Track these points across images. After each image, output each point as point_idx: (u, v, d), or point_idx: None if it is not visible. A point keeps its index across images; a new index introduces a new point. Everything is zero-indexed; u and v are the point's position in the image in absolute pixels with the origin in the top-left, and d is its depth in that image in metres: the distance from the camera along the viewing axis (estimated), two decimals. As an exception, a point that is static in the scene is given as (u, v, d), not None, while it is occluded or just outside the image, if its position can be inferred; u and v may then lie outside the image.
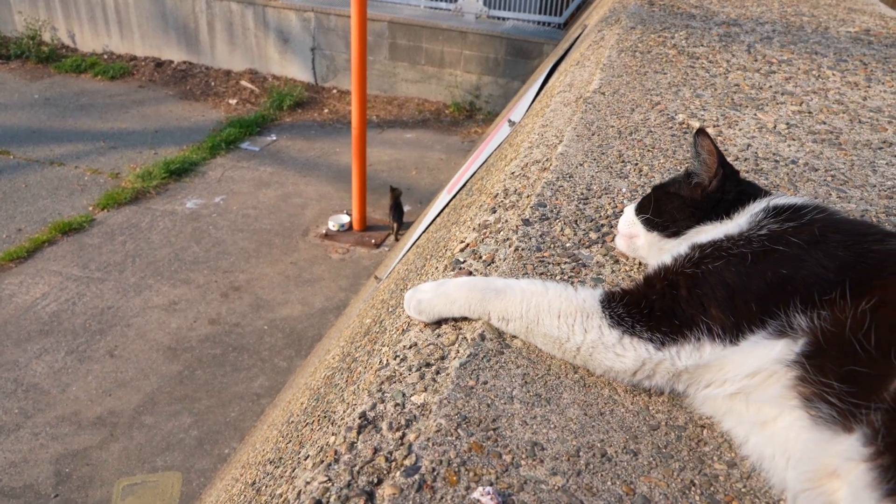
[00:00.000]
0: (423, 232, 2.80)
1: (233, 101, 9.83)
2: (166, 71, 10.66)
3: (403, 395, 0.93)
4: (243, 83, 10.29)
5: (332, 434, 0.92)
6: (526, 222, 1.39)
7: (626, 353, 0.93)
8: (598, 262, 1.27)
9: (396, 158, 8.47)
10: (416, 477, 0.79)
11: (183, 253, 6.20)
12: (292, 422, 1.52)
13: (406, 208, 6.77)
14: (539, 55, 8.98)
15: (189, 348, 5.05)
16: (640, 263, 1.27)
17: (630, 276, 1.24)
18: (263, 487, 1.17)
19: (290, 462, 1.11)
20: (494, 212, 1.50)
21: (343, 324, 3.18)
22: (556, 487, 0.80)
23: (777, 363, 0.83)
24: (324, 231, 6.70)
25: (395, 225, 6.61)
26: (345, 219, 6.81)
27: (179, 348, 5.04)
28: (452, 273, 1.24)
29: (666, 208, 1.16)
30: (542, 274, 1.22)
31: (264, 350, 5.10)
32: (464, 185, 2.80)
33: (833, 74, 2.65)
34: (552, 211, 1.45)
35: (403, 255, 2.85)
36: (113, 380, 4.69)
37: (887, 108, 2.30)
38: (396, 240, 6.44)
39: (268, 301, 5.65)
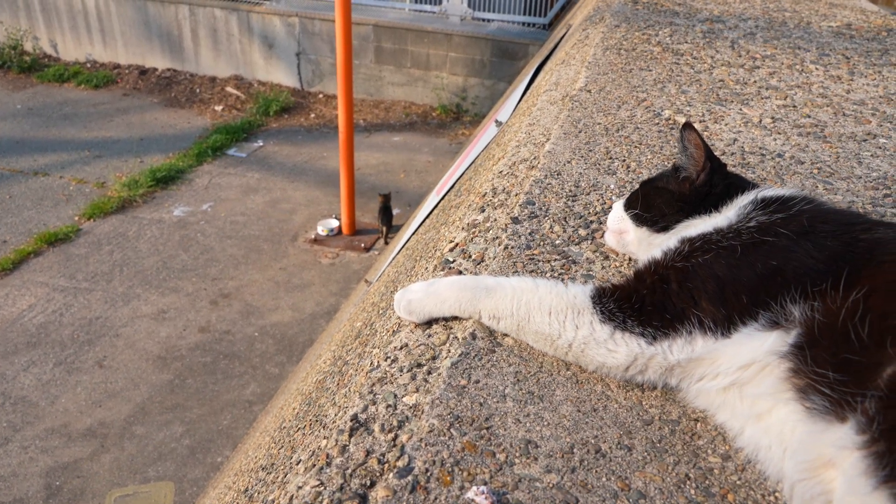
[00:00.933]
0: (413, 234, 2.79)
1: (218, 108, 9.78)
2: (150, 79, 10.59)
3: (395, 396, 0.92)
4: (229, 89, 10.24)
5: (324, 438, 0.91)
6: (515, 220, 1.39)
7: (618, 349, 0.93)
8: (587, 259, 1.27)
9: (384, 162, 8.45)
10: (410, 478, 0.78)
11: (171, 261, 6.15)
12: (284, 427, 1.51)
13: (395, 211, 6.76)
14: (524, 56, 9.00)
15: (179, 357, 5.00)
16: (629, 259, 1.27)
17: (620, 272, 1.23)
18: (256, 494, 1.16)
19: (282, 467, 1.10)
20: (483, 211, 1.49)
21: (334, 328, 3.16)
22: (550, 485, 0.80)
23: (770, 355, 0.83)
24: (313, 236, 6.67)
25: (384, 228, 6.59)
26: (334, 223, 6.79)
27: (169, 357, 4.99)
28: (442, 273, 1.24)
29: (654, 203, 1.16)
30: (532, 272, 1.21)
31: (255, 357, 5.06)
32: (452, 186, 2.80)
33: (816, 69, 2.67)
34: (541, 209, 1.45)
35: (393, 258, 2.84)
36: (102, 390, 4.64)
37: (870, 101, 2.32)
38: (386, 243, 6.43)
39: (258, 308, 5.62)
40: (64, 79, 10.48)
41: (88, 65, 11.01)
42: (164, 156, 8.24)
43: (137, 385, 4.72)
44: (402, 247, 2.81)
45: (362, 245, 6.59)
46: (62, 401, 4.54)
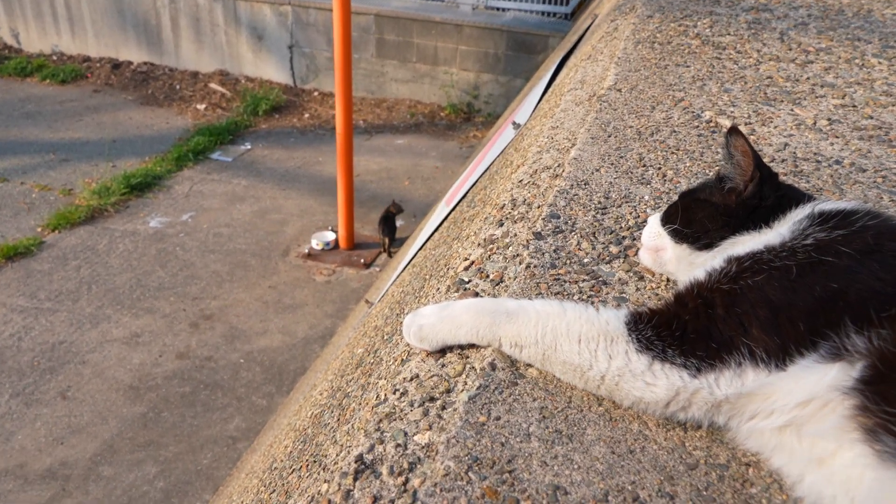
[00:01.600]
0: (420, 249, 2.80)
1: (201, 107, 9.89)
2: (125, 73, 10.72)
3: (405, 434, 0.93)
4: (213, 86, 10.36)
5: (325, 481, 0.92)
6: (538, 236, 1.40)
7: (657, 382, 0.93)
8: (620, 279, 1.27)
9: (387, 167, 8.50)
10: (423, 528, 0.78)
11: (146, 278, 6.19)
12: (276, 468, 1.51)
13: (398, 223, 6.79)
14: (544, 49, 9.07)
15: (154, 387, 5.02)
16: (668, 280, 1.28)
17: (657, 295, 1.24)
18: (244, 545, 1.16)
19: (274, 515, 1.10)
20: (501, 225, 1.50)
21: (330, 355, 3.17)
22: (582, 537, 0.80)
23: (832, 390, 0.83)
24: (306, 250, 6.71)
25: (385, 240, 6.61)
26: (330, 236, 6.82)
27: (143, 387, 5.01)
28: (456, 294, 1.25)
29: (696, 217, 1.16)
30: (557, 293, 1.22)
31: (240, 387, 5.07)
32: (464, 195, 2.81)
33: (879, 63, 2.68)
34: (567, 222, 1.46)
35: (398, 276, 2.85)
36: (65, 425, 4.66)
37: (940, 101, 2.32)
38: (390, 255, 6.45)
39: (244, 331, 5.64)
40: (27, 73, 10.63)
41: (55, 57, 11.16)
42: (139, 160, 8.32)
43: (106, 419, 4.73)
44: (408, 263, 2.82)
45: (362, 261, 6.61)
46: (18, 437, 4.55)
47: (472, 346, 1.08)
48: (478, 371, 1.03)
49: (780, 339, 0.88)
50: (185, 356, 5.33)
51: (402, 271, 2.82)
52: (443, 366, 1.06)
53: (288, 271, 6.45)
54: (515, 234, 1.43)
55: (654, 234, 1.25)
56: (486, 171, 2.84)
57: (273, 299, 6.05)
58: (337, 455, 1.01)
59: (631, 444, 0.94)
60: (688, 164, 1.77)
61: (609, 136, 1.91)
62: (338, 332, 4.83)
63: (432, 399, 0.99)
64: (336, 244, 6.81)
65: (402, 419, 0.96)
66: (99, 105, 9.88)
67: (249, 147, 8.87)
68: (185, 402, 4.90)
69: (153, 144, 8.77)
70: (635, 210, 1.53)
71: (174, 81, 10.50)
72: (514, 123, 3.16)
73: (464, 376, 1.03)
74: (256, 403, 4.93)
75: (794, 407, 0.86)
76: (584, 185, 1.63)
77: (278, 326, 5.72)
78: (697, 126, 2.02)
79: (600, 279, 1.27)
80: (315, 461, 1.15)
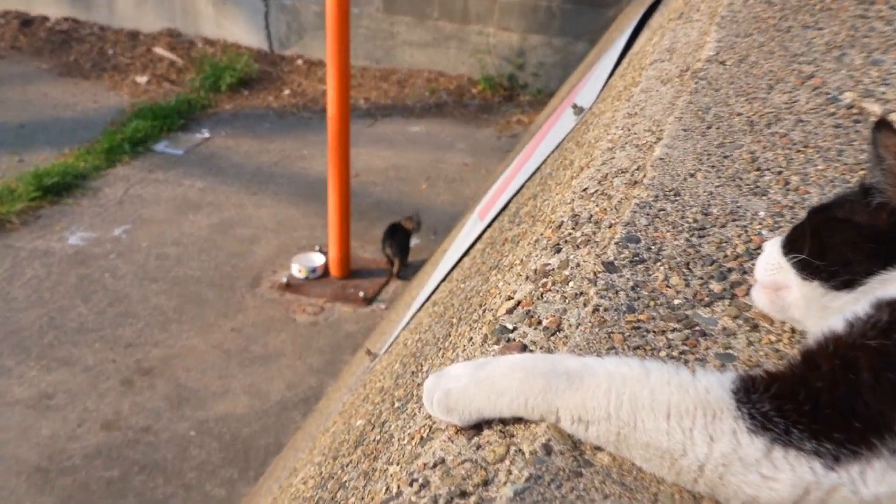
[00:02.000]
0: (443, 280, 2.82)
1: (142, 79, 10.03)
2: (38, 33, 10.91)
3: (426, 542, 0.94)
4: (158, 51, 10.51)
5: None
6: (609, 267, 1.41)
7: (778, 475, 0.93)
8: (724, 329, 1.28)
9: (396, 164, 8.53)
10: None
11: (62, 316, 6.25)
12: (243, 585, 1.53)
13: (413, 242, 6.79)
14: (617, 2, 9.10)
15: (70, 469, 5.05)
16: (792, 330, 1.28)
17: (777, 351, 1.24)
18: None
19: None
20: (559, 250, 1.52)
21: (317, 427, 3.18)
22: None
23: None
24: (284, 279, 6.74)
25: (396, 260, 6.61)
26: (317, 260, 6.85)
27: (54, 469, 5.04)
28: (496, 347, 1.26)
29: (832, 244, 1.17)
30: (637, 349, 1.22)
31: (189, 470, 5.08)
32: (505, 206, 2.83)
33: None
34: (649, 249, 1.46)
35: (412, 317, 2.86)
36: (-49, 518, 4.70)
37: None
38: (401, 278, 6.45)
39: (195, 391, 5.66)
40: None
41: (-54, 13, 11.42)
42: (55, 152, 8.42)
43: (5, 511, 4.77)
44: (427, 300, 2.84)
45: (361, 294, 6.62)
46: None
47: (518, 420, 1.09)
48: (527, 456, 1.04)
49: (950, 417, 0.88)
50: (113, 426, 5.36)
51: (419, 311, 2.83)
52: (478, 447, 1.07)
53: (259, 308, 6.48)
54: (578, 265, 1.44)
55: (774, 267, 1.25)
56: (535, 172, 2.86)
57: (237, 347, 6.07)
58: (331, 569, 1.02)
59: (740, 562, 0.94)
60: (820, 168, 1.77)
61: (709, 128, 1.92)
62: (327, 394, 4.84)
63: (464, 494, 1.00)
64: (325, 271, 6.83)
65: (421, 521, 0.97)
66: (2, 76, 10.05)
67: (208, 135, 8.96)
68: (113, 491, 4.92)
69: (75, 131, 8.88)
70: (746, 232, 1.53)
71: (105, 44, 10.67)
72: (574, 106, 3.18)
73: (507, 463, 1.03)
74: (212, 494, 4.93)
75: (969, 513, 0.86)
76: (674, 195, 1.64)
77: (244, 385, 5.74)
78: (834, 113, 2.02)
79: (697, 329, 1.27)
80: (300, 577, 1.16)
